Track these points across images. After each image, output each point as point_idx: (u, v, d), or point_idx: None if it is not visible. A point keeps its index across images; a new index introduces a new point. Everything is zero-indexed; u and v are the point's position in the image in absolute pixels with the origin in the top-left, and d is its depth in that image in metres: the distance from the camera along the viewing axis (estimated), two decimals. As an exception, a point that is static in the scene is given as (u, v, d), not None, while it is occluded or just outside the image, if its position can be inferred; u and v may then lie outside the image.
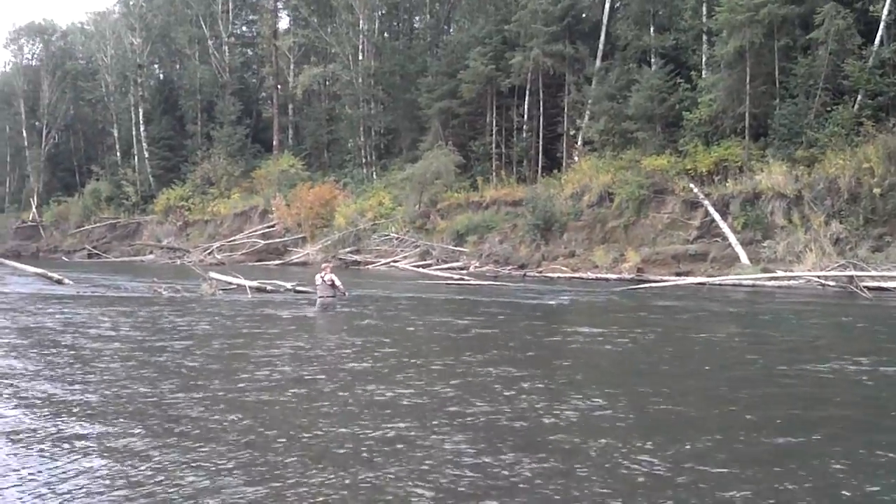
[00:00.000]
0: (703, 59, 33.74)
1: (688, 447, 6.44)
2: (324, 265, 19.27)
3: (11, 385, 8.96)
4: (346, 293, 17.87)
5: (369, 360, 10.90)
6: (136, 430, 6.96)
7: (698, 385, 9.49)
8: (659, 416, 7.70)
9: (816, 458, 6.17)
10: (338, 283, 17.39)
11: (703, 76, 33.00)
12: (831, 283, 23.30)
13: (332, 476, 5.67)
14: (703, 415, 7.83)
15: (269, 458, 6.11)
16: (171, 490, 5.37)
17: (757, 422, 7.32)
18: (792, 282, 24.16)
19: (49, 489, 5.37)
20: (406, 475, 5.71)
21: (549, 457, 6.15)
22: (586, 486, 5.50)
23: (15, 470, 5.79)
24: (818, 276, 23.78)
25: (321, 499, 5.23)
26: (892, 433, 7.08)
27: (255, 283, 22.40)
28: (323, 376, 9.68)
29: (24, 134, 69.88)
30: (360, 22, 50.84)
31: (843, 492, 5.38)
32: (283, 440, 6.67)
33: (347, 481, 5.56)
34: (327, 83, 55.92)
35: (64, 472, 5.72)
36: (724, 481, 5.54)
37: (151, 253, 53.24)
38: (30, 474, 5.69)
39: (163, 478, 5.60)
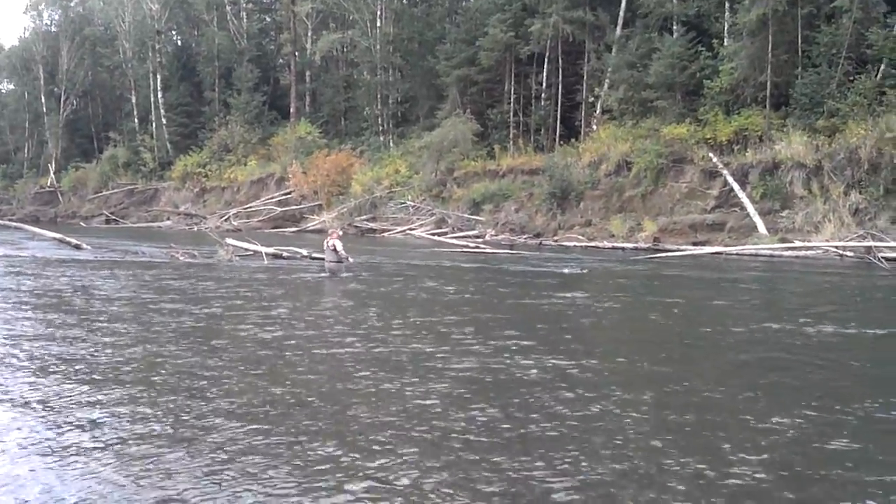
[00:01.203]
0: (725, 27, 33.29)
1: (641, 398, 6.93)
2: (330, 231, 19.32)
3: (20, 345, 9.07)
4: (350, 258, 17.89)
5: (361, 322, 11.18)
6: (136, 387, 7.07)
7: (675, 348, 9.73)
8: (626, 372, 8.09)
9: (742, 407, 6.62)
10: (339, 248, 17.41)
11: (725, 44, 32.61)
12: (849, 254, 23.13)
13: (317, 424, 6.04)
14: (671, 371, 8.13)
15: (259, 409, 6.39)
16: (167, 435, 5.48)
17: (710, 377, 7.85)
18: (810, 252, 23.99)
19: (51, 451, 5.43)
20: (379, 424, 6.04)
21: (512, 408, 6.52)
22: (539, 429, 5.96)
23: (19, 432, 5.87)
24: (836, 247, 23.60)
25: (305, 444, 5.48)
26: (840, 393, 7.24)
27: (271, 250, 22.43)
28: (315, 336, 10.03)
29: (43, 100, 70.16)
30: (379, -12, 50.46)
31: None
32: (274, 392, 6.97)
33: (332, 430, 5.90)
34: (345, 50, 55.67)
35: (64, 433, 5.79)
36: (661, 428, 6.04)
37: (169, 219, 53.57)
38: (34, 436, 5.75)
39: (159, 427, 5.68)
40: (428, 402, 6.69)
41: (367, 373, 7.75)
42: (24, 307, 12.26)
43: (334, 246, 17.40)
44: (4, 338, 9.56)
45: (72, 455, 5.24)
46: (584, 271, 20.01)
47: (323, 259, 18.83)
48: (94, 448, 5.34)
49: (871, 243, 22.35)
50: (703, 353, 9.31)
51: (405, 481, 4.86)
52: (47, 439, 5.56)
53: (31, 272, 18.04)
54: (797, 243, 24.57)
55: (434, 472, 5.02)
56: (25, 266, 19.70)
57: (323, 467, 5.07)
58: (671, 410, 6.48)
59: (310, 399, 6.77)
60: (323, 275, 17.80)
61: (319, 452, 5.35)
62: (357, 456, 5.27)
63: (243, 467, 5.03)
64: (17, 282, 16.07)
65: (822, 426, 6.07)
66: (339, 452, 5.34)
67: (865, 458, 5.36)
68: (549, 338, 10.17)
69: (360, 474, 4.95)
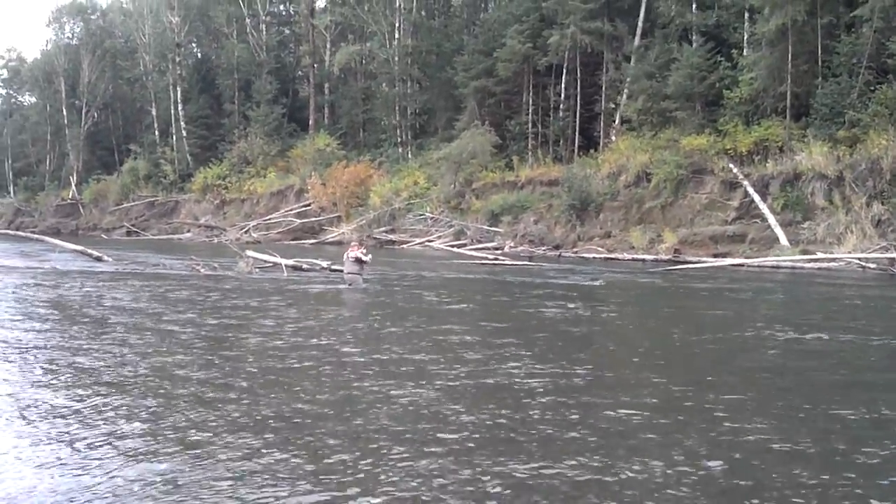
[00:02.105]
0: (745, 37, 33.20)
1: (629, 402, 7.15)
2: (352, 244, 19.51)
3: (35, 355, 9.13)
4: (369, 256, 18.27)
5: (375, 333, 11.56)
6: (147, 398, 7.10)
7: (672, 358, 9.88)
8: (607, 381, 8.31)
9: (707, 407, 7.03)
10: (363, 257, 17.72)
11: (745, 54, 32.49)
12: (872, 266, 22.94)
13: (332, 434, 6.14)
14: (661, 380, 8.27)
15: (272, 419, 6.48)
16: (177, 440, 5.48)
17: (689, 385, 8.03)
18: (832, 264, 23.81)
19: (59, 459, 5.44)
20: (374, 423, 6.38)
21: (522, 416, 6.69)
22: (545, 433, 6.20)
23: (25, 437, 5.91)
24: (858, 259, 23.40)
25: (319, 453, 5.56)
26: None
27: (290, 262, 22.48)
28: (329, 346, 10.22)
29: (65, 112, 70.80)
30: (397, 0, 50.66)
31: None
32: (288, 402, 7.13)
33: (345, 439, 5.94)
34: (363, 62, 55.86)
35: (71, 443, 5.78)
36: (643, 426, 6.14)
37: (189, 231, 53.83)
38: (45, 445, 5.76)
39: (167, 434, 5.68)
40: (439, 409, 6.88)
41: (380, 381, 7.95)
42: (43, 318, 12.33)
43: (356, 257, 17.61)
44: (21, 348, 9.63)
45: (80, 465, 5.24)
46: (600, 283, 19.95)
47: (342, 270, 18.95)
48: (106, 459, 5.33)
49: (894, 255, 22.14)
50: (699, 364, 9.49)
51: (422, 490, 4.90)
52: (58, 449, 5.58)
53: (52, 284, 18.14)
54: (819, 255, 24.39)
55: (448, 479, 5.08)
56: (47, 278, 19.82)
57: (338, 477, 5.09)
58: (659, 413, 6.74)
59: (323, 409, 6.90)
60: (342, 286, 17.91)
61: (332, 460, 5.42)
62: (374, 467, 5.31)
63: (259, 478, 5.03)
64: (37, 293, 16.18)
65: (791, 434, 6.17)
66: (354, 462, 5.37)
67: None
68: (556, 348, 10.39)
69: (378, 485, 4.97)
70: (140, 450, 5.60)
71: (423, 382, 7.84)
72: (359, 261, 17.68)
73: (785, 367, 9.06)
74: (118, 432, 6.06)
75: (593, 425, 6.36)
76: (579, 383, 7.97)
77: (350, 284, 17.67)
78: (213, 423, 6.32)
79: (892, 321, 13.70)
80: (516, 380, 8.02)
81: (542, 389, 7.60)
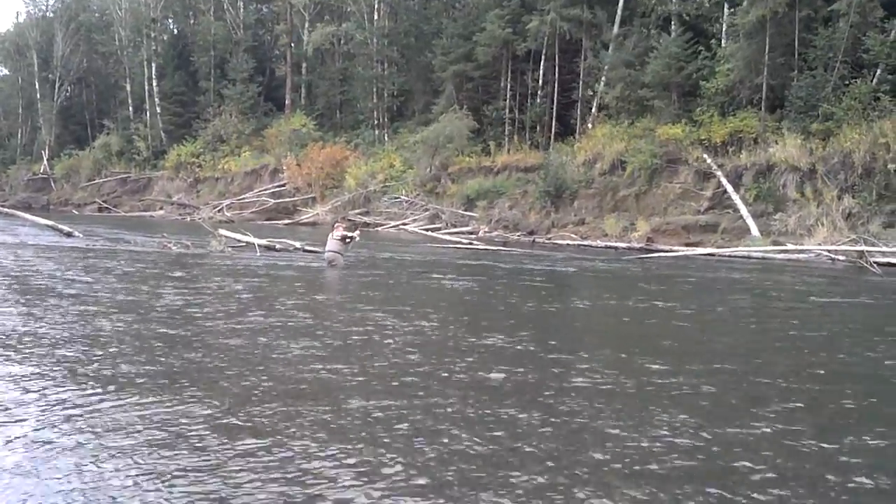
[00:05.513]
0: (724, 28, 33.35)
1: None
2: (335, 224, 19.53)
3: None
4: (357, 237, 18.37)
5: (324, 307, 12.10)
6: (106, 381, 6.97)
7: (619, 341, 10.22)
8: (550, 357, 8.55)
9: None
10: (350, 234, 17.88)
11: (723, 45, 32.64)
12: (841, 258, 23.18)
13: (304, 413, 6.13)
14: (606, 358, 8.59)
15: (237, 400, 6.43)
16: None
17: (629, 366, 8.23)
18: (802, 255, 24.06)
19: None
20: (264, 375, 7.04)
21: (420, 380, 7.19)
22: (432, 391, 6.79)
23: None
24: (828, 251, 23.67)
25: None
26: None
27: (264, 242, 22.38)
28: (301, 322, 10.28)
29: (37, 86, 69.68)
30: (376, -19, 50.37)
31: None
32: (231, 368, 7.42)
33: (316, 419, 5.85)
34: (341, 42, 55.53)
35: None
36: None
37: (161, 208, 53.46)
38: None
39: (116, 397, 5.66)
40: (323, 363, 7.61)
41: (277, 341, 8.61)
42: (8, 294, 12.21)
43: (342, 236, 17.64)
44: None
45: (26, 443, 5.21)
46: (570, 270, 20.08)
47: (316, 252, 18.96)
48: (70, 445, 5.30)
49: (863, 248, 22.38)
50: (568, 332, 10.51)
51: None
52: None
53: (22, 258, 17.93)
54: (789, 246, 24.64)
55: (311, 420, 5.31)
56: (15, 252, 19.58)
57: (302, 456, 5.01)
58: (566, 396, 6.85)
59: (213, 362, 7.42)
60: (319, 264, 18.00)
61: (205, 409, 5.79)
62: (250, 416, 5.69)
63: (228, 467, 4.93)
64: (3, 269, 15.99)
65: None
66: (321, 445, 5.28)
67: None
68: (459, 319, 11.19)
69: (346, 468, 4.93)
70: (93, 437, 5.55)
71: (314, 342, 8.63)
72: (344, 239, 17.68)
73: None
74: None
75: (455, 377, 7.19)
76: (461, 346, 8.79)
77: (330, 263, 17.66)
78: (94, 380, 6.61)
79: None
80: (403, 342, 8.85)
81: (425, 350, 8.39)
